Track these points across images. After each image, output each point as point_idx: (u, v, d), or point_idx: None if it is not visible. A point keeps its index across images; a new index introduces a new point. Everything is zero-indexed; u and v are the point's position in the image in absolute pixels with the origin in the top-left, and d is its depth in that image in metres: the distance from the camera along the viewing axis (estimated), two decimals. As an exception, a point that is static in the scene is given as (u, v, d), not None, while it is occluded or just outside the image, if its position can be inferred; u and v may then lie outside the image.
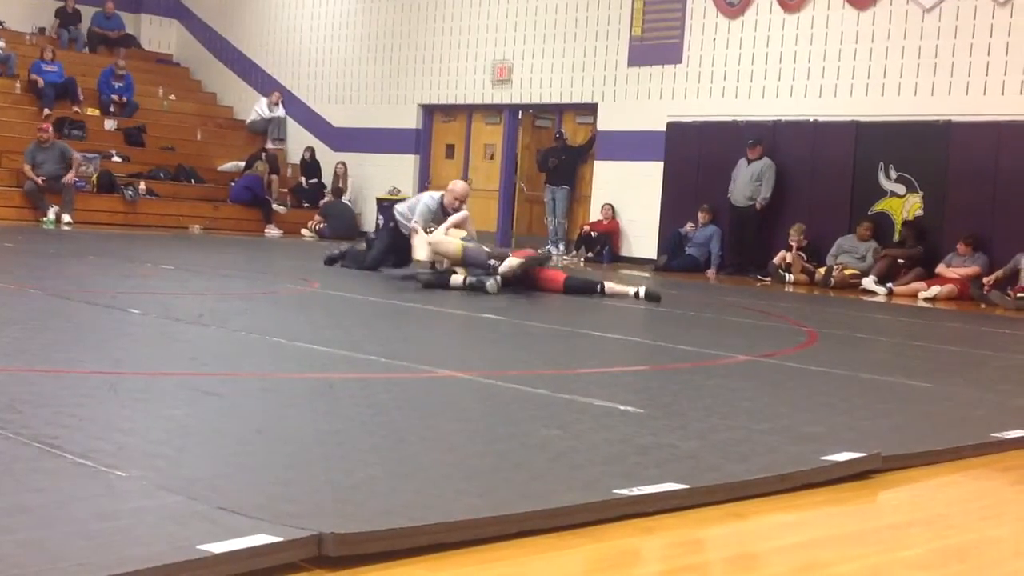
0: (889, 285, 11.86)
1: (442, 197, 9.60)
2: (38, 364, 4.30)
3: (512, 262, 8.76)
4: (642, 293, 8.99)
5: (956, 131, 12.09)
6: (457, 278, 8.65)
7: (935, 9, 12.31)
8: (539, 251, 9.50)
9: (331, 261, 10.36)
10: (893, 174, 12.66)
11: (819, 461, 3.34)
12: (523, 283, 8.98)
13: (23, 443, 2.93)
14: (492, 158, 16.89)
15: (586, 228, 15.10)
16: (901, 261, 12.20)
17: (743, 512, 2.91)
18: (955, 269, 11.77)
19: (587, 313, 8.06)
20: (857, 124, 12.83)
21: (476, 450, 3.27)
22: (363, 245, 10.69)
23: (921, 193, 12.43)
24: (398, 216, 9.82)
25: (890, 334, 8.22)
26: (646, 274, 12.82)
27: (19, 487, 2.55)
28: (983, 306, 10.94)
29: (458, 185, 9.77)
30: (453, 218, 9.22)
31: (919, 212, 12.46)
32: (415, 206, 9.70)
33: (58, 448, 2.90)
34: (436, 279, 8.68)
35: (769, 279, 12.72)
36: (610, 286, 9.08)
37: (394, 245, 9.86)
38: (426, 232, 9.14)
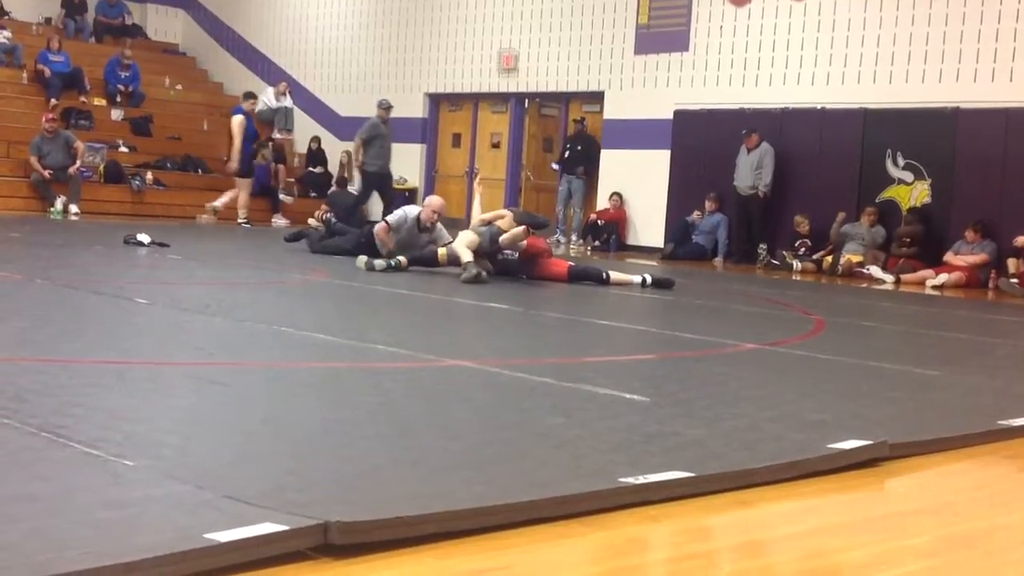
0: (891, 273, 11.83)
1: (420, 212, 9.74)
2: (45, 354, 4.31)
3: (514, 231, 8.72)
4: (650, 280, 8.96)
5: (964, 118, 12.04)
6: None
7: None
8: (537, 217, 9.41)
9: (294, 238, 10.90)
10: (901, 161, 12.62)
11: (825, 449, 3.34)
12: (526, 271, 8.97)
13: (30, 433, 2.94)
14: (498, 147, 16.86)
15: (593, 216, 15.07)
16: (907, 241, 12.16)
17: (749, 500, 2.91)
18: (963, 256, 11.74)
19: (593, 302, 8.05)
20: (865, 111, 12.78)
21: (482, 438, 3.28)
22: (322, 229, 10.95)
23: (929, 180, 12.39)
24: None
25: (897, 322, 8.20)
26: (653, 263, 12.81)
27: (27, 476, 2.55)
28: (991, 294, 10.91)
29: (434, 200, 9.95)
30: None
31: (927, 199, 12.42)
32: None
33: (65, 437, 2.90)
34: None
35: (761, 265, 12.81)
36: (615, 275, 9.06)
37: (360, 250, 9.97)
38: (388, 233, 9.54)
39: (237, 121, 14.51)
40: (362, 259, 9.09)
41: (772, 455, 3.22)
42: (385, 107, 14.85)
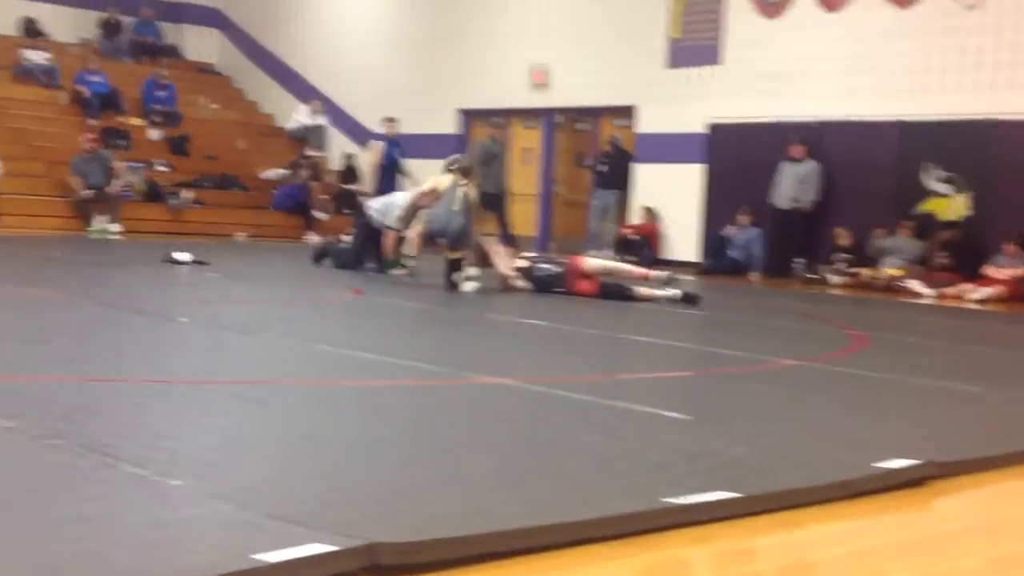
0: (931, 287, 11.69)
1: (419, 199, 9.95)
2: (90, 373, 4.36)
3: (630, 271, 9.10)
4: (678, 294, 8.92)
5: (1002, 129, 11.91)
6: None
7: (977, 6, 12.14)
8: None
9: (319, 257, 10.94)
10: (939, 174, 12.49)
11: (872, 468, 3.30)
12: (563, 286, 8.98)
13: (79, 453, 2.97)
14: (529, 162, 16.87)
15: (625, 231, 15.03)
16: (945, 255, 12.02)
17: (796, 520, 2.88)
18: (1003, 270, 11.59)
19: (628, 318, 8.02)
20: (901, 123, 12.68)
21: (520, 457, 3.27)
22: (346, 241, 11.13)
23: (968, 193, 12.26)
24: (371, 213, 10.39)
25: (938, 337, 8.10)
26: (689, 277, 12.75)
27: (76, 497, 2.58)
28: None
29: (428, 184, 10.12)
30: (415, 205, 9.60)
31: (966, 212, 12.29)
32: (389, 207, 10.23)
33: (113, 457, 2.93)
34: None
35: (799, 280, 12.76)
36: (644, 290, 9.03)
37: (369, 240, 10.34)
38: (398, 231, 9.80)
39: (376, 148, 14.61)
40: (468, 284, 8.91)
41: (815, 474, 3.19)
42: (494, 126, 14.80)
